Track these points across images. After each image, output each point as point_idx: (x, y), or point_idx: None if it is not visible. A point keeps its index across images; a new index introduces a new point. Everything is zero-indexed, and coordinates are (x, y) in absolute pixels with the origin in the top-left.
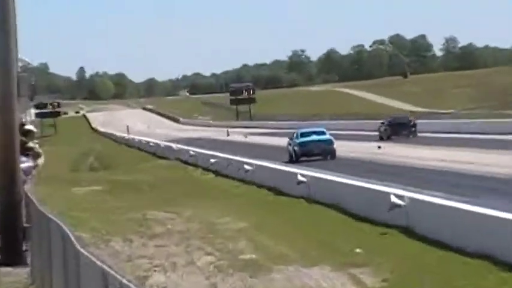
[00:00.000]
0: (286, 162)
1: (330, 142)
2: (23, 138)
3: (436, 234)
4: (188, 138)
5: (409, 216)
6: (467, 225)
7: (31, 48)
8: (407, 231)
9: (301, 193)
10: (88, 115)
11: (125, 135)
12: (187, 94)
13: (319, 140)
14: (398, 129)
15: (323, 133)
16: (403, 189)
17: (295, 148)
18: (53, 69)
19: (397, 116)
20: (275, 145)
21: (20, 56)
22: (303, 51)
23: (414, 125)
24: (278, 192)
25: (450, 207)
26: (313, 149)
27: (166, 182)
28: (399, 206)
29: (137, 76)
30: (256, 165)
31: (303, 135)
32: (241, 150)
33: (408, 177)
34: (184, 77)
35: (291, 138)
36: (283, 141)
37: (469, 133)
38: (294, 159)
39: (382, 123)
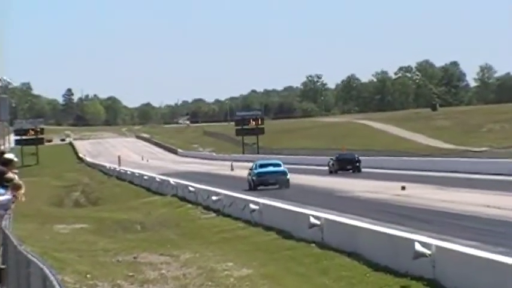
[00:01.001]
0: (246, 190)
1: (284, 173)
2: (3, 169)
3: None
4: (187, 172)
5: (435, 267)
6: (507, 281)
7: (12, 66)
8: (433, 285)
9: (314, 237)
10: (75, 143)
11: (116, 166)
12: (188, 122)
13: (274, 172)
14: (344, 164)
15: (279, 165)
16: (429, 236)
17: (254, 178)
18: (36, 90)
19: (344, 153)
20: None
21: None
22: (319, 77)
23: (358, 161)
24: (288, 235)
25: (486, 259)
26: (269, 179)
27: (161, 221)
28: (424, 255)
29: (131, 101)
30: (263, 204)
31: (261, 166)
32: (247, 186)
33: (436, 224)
34: (184, 102)
35: (250, 169)
36: (296, 179)
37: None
38: (252, 187)
39: (331, 159)
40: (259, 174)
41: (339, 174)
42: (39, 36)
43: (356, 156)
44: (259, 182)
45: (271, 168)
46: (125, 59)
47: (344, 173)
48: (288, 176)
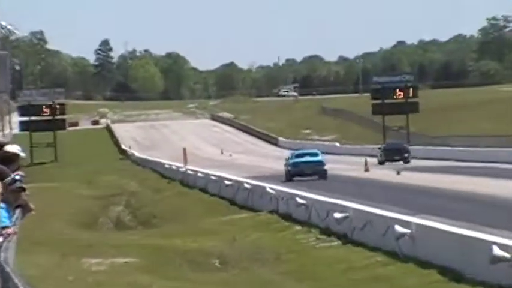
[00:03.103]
0: (283, 182)
1: (321, 163)
2: (3, 169)
3: None
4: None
5: None
6: None
7: (18, 8)
8: None
9: (500, 278)
10: (115, 128)
11: (181, 165)
12: (296, 94)
13: (311, 161)
14: (391, 154)
15: (316, 155)
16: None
17: (289, 168)
18: (54, 43)
19: (392, 142)
20: (456, 190)
21: None
22: (507, 19)
23: (408, 151)
24: (457, 276)
25: None
26: (304, 169)
27: (252, 253)
28: (504, 259)
29: (204, 60)
30: (416, 225)
31: (297, 156)
32: (391, 197)
33: None
34: (290, 62)
35: (286, 159)
36: (481, 185)
37: None
38: (288, 178)
39: (379, 148)
40: (294, 164)
41: None
42: None
43: (406, 146)
44: (294, 173)
45: (308, 158)
46: None
47: None
48: (326, 167)
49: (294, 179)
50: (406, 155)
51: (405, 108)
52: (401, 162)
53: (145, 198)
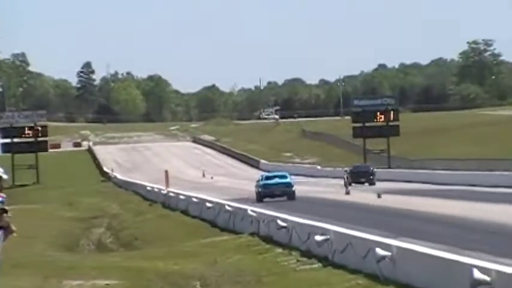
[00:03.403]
0: (253, 203)
1: (289, 185)
2: None
3: None
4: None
5: None
6: None
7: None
8: None
9: None
10: (97, 149)
11: (163, 187)
12: (277, 117)
13: (280, 183)
14: (357, 177)
15: (285, 177)
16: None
17: (259, 189)
18: (36, 65)
19: (358, 165)
20: (433, 213)
21: None
22: (488, 44)
23: (373, 174)
24: None
25: None
26: (274, 190)
27: (233, 275)
28: (485, 282)
29: (186, 82)
30: (397, 248)
31: (267, 178)
32: (371, 220)
33: None
34: (271, 85)
35: (257, 181)
36: (440, 207)
37: None
38: (259, 199)
39: (345, 171)
40: (264, 186)
41: None
42: None
43: (371, 168)
44: (264, 194)
45: (277, 180)
46: (175, 17)
47: None
48: (294, 188)
49: (264, 200)
50: (371, 177)
51: (386, 132)
52: (366, 184)
53: (127, 221)
